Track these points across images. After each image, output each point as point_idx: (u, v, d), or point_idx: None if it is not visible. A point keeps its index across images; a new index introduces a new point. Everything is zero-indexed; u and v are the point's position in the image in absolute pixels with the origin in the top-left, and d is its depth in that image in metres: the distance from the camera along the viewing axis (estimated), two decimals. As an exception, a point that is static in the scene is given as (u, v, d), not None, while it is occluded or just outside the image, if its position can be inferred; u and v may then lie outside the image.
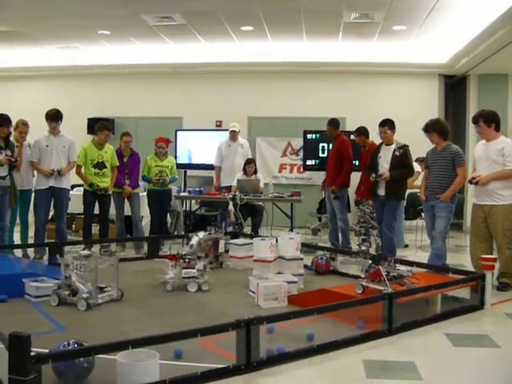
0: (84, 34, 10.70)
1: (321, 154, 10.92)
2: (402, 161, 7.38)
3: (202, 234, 6.96)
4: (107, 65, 12.80)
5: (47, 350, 3.40)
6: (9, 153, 7.31)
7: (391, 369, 3.77)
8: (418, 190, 9.41)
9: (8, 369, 2.94)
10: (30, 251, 7.93)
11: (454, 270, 6.06)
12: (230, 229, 8.57)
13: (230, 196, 8.97)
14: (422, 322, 4.81)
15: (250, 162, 9.72)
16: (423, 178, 7.11)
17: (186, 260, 6.15)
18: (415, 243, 9.42)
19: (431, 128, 6.80)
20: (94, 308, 5.18)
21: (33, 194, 8.08)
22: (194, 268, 6.11)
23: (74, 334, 3.89)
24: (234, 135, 9.96)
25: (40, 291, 5.51)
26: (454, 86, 12.55)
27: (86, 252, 5.50)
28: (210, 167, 10.58)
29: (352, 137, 9.07)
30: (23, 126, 7.95)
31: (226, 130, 10.29)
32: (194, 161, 11.66)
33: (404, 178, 7.56)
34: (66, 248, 7.76)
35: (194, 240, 6.60)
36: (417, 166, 9.35)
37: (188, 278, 6.05)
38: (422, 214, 9.49)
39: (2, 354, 3.14)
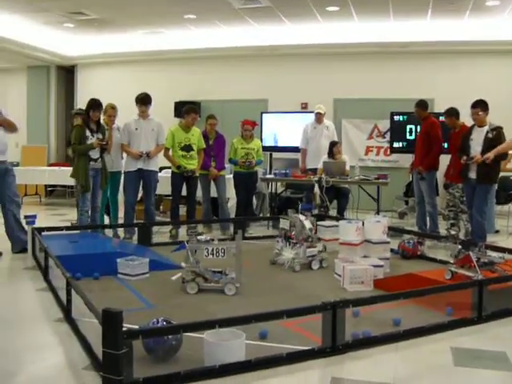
0: (170, 18, 10.90)
1: (408, 137, 10.67)
2: (495, 143, 7.10)
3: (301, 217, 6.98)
4: (193, 49, 13.00)
5: (137, 327, 3.52)
6: (100, 136, 7.56)
7: (481, 358, 3.66)
8: (511, 173, 9.14)
9: (101, 342, 3.06)
10: (120, 231, 8.19)
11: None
12: (316, 211, 8.55)
13: (316, 178, 8.93)
14: (514, 311, 4.65)
15: (335, 143, 9.64)
16: None
17: (309, 240, 6.38)
18: (507, 229, 9.10)
19: None
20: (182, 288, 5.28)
21: (122, 176, 8.32)
22: (315, 247, 6.38)
23: (162, 312, 4.01)
24: (319, 117, 9.88)
25: (136, 270, 5.68)
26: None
27: (237, 235, 5.40)
28: (295, 149, 10.55)
29: (441, 118, 8.82)
30: (112, 109, 8.18)
31: (312, 112, 10.22)
32: (280, 143, 11.66)
33: (497, 160, 7.27)
34: (154, 228, 7.98)
35: (306, 223, 6.63)
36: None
37: (312, 256, 6.31)
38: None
39: (95, 329, 3.27)
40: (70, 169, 7.86)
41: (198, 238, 5.45)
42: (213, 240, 5.45)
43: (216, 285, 5.24)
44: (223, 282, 5.21)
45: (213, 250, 5.25)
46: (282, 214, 7.61)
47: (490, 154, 6.97)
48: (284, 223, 7.24)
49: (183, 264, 5.36)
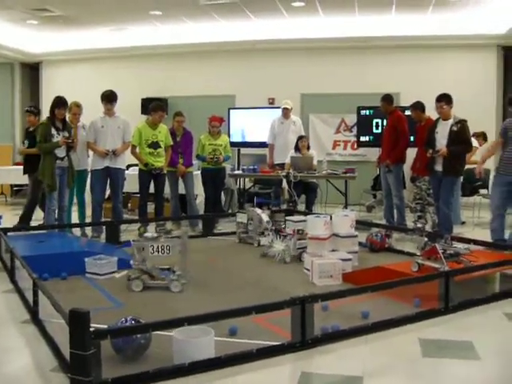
0: (135, 15, 10.82)
1: (375, 130, 10.77)
2: (459, 136, 7.19)
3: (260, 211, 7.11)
4: (159, 45, 12.94)
5: (106, 326, 3.49)
6: (66, 134, 7.47)
7: (448, 348, 3.72)
8: (476, 166, 9.26)
9: (69, 343, 3.03)
10: (88, 230, 8.11)
11: (513, 247, 5.93)
12: (284, 206, 8.58)
13: (284, 173, 8.95)
14: (480, 301, 4.72)
15: (301, 137, 9.68)
16: (493, 146, 6.85)
17: (300, 232, 6.53)
18: (472, 220, 9.23)
19: None
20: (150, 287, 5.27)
21: (89, 174, 8.24)
22: (305, 239, 6.46)
23: (131, 311, 3.99)
24: (286, 112, 9.91)
25: (104, 269, 5.64)
26: (513, 57, 12.14)
27: (178, 231, 5.41)
28: (263, 145, 10.57)
29: (407, 112, 8.91)
30: (76, 107, 8.10)
31: (279, 107, 10.24)
32: (248, 139, 11.67)
33: (462, 153, 7.37)
34: (123, 226, 7.93)
35: (264, 216, 6.83)
36: (474, 141, 9.12)
37: (302, 248, 6.43)
38: (480, 191, 9.35)
39: (63, 330, 3.24)
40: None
41: (145, 235, 5.44)
42: (160, 237, 5.39)
43: (162, 282, 5.22)
44: (169, 280, 5.19)
45: (158, 247, 5.24)
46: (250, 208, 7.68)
47: (445, 150, 7.12)
48: (241, 217, 7.37)
49: (131, 262, 5.36)
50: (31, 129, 8.05)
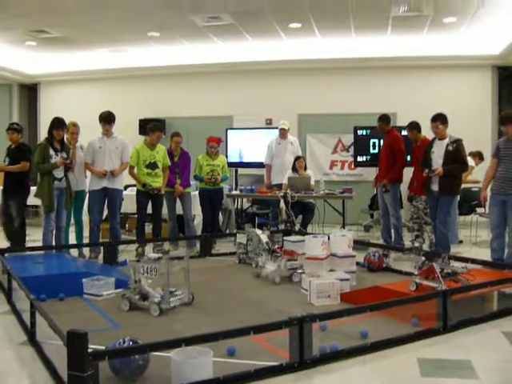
0: (134, 36, 10.89)
1: (372, 150, 10.83)
2: (455, 155, 7.23)
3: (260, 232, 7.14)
4: (157, 66, 13.00)
5: (104, 347, 3.48)
6: (64, 155, 7.49)
7: (447, 367, 3.71)
8: (473, 185, 9.29)
9: (67, 365, 3.02)
10: (86, 250, 8.09)
11: (511, 266, 5.92)
12: (282, 226, 8.58)
13: (281, 194, 8.97)
14: (478, 320, 4.72)
15: (298, 158, 9.70)
16: (489, 168, 6.88)
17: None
18: (470, 239, 9.24)
19: (508, 120, 6.58)
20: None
21: (87, 195, 8.24)
22: (296, 260, 6.56)
23: (128, 332, 3.98)
24: (283, 133, 9.95)
25: (101, 290, 5.62)
26: (508, 77, 12.22)
27: (156, 255, 5.35)
28: (260, 165, 10.60)
29: (404, 132, 8.96)
30: (73, 127, 8.11)
31: (276, 127, 10.29)
32: (245, 159, 11.71)
33: (458, 172, 7.40)
34: (121, 247, 7.92)
35: (263, 237, 7.03)
36: (470, 161, 9.16)
37: (293, 269, 6.46)
38: (477, 210, 9.37)
39: (60, 351, 3.22)
40: (34, 188, 7.75)
41: (149, 255, 5.40)
42: (160, 258, 5.31)
43: (145, 304, 5.17)
44: (150, 302, 5.13)
45: (146, 268, 5.23)
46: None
47: (441, 170, 7.16)
48: (241, 238, 7.39)
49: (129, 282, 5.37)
50: (13, 146, 7.81)
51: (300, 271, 6.39)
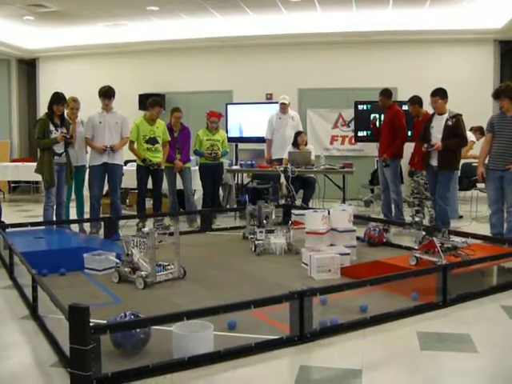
0: (132, 10, 10.80)
1: (371, 126, 10.77)
2: (454, 130, 7.21)
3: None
4: (157, 41, 12.91)
5: (105, 321, 3.50)
6: (64, 130, 7.47)
7: (446, 341, 3.73)
8: (473, 160, 9.27)
9: (68, 339, 3.04)
10: (86, 226, 8.11)
11: (510, 241, 5.94)
12: (283, 201, 8.59)
13: (282, 169, 8.96)
14: (478, 294, 4.74)
15: (300, 133, 9.68)
16: (484, 143, 6.84)
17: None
18: (470, 214, 9.25)
19: (503, 94, 6.49)
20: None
21: (87, 170, 8.24)
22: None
23: (130, 306, 4.01)
24: (284, 107, 9.91)
25: (102, 265, 5.65)
26: (510, 51, 12.13)
27: (147, 229, 5.40)
28: (261, 140, 10.58)
29: (405, 107, 8.92)
30: (73, 102, 8.09)
31: (277, 102, 10.25)
32: (245, 134, 11.68)
33: (457, 147, 7.37)
34: (121, 222, 7.94)
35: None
36: (471, 136, 9.14)
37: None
38: (477, 185, 9.36)
39: (63, 325, 3.24)
40: (34, 164, 7.74)
41: (143, 229, 5.47)
42: (154, 232, 5.32)
43: (134, 277, 5.23)
44: (136, 275, 5.20)
45: (136, 242, 5.31)
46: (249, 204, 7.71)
47: (440, 145, 7.15)
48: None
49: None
50: None
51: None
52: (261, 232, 6.74)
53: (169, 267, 5.42)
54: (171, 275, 5.37)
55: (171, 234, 5.45)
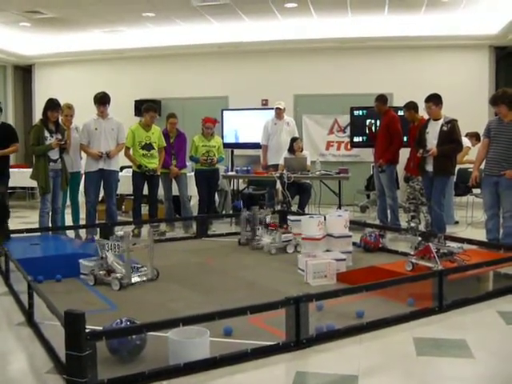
0: (128, 17, 10.81)
1: (367, 131, 10.80)
2: (449, 136, 7.21)
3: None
4: (153, 47, 12.92)
5: (101, 328, 3.50)
6: (59, 136, 7.46)
7: (442, 346, 3.73)
8: (469, 165, 9.29)
9: (64, 345, 3.03)
10: (82, 232, 8.10)
11: (506, 247, 5.95)
12: (278, 207, 8.60)
13: (277, 174, 8.96)
14: (474, 300, 4.74)
15: (295, 139, 9.68)
16: (481, 148, 6.84)
17: (284, 226, 7.31)
18: (466, 220, 9.27)
19: (499, 100, 6.50)
20: (146, 287, 5.29)
21: (82, 177, 8.23)
22: (290, 233, 7.10)
23: (125, 313, 4.00)
24: (279, 112, 9.92)
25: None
26: (505, 57, 12.18)
27: (121, 233, 5.55)
28: (256, 146, 10.58)
29: (400, 112, 8.94)
30: (68, 109, 8.08)
31: (272, 108, 10.26)
32: (241, 140, 11.68)
33: (452, 153, 7.37)
34: (117, 228, 7.93)
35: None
36: (467, 141, 9.16)
37: (287, 241, 7.02)
38: (473, 190, 9.37)
39: (59, 332, 3.24)
40: (29, 170, 7.73)
41: (118, 233, 5.69)
42: (125, 236, 5.44)
43: (109, 279, 5.33)
44: (112, 277, 5.30)
45: (110, 245, 5.41)
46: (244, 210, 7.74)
47: (435, 150, 7.15)
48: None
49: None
50: None
51: (294, 243, 6.98)
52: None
53: (142, 269, 5.52)
54: (145, 277, 5.47)
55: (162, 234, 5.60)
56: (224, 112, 11.86)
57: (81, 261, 5.72)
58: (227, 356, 3.46)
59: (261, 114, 11.26)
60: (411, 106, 8.20)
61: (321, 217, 6.62)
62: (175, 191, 8.91)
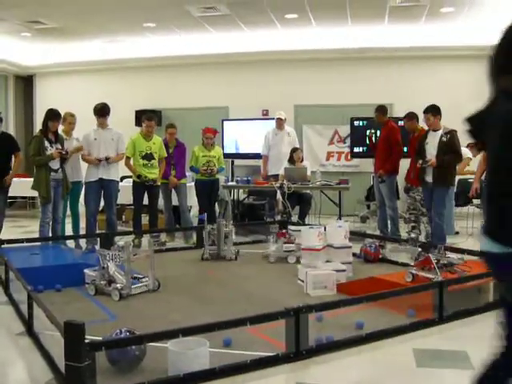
0: (129, 27, 10.86)
1: (368, 141, 10.81)
2: (449, 146, 7.23)
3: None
4: (153, 57, 12.96)
5: (101, 338, 3.49)
6: (59, 146, 7.48)
7: (442, 358, 3.73)
8: (470, 176, 9.29)
9: (64, 355, 3.03)
10: (82, 242, 8.09)
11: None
12: (278, 217, 8.59)
13: (278, 185, 8.96)
14: (474, 311, 4.73)
15: (295, 150, 9.69)
16: (482, 160, 6.83)
17: (287, 236, 7.21)
18: (466, 230, 9.26)
19: None
20: (146, 297, 5.28)
21: (83, 186, 8.24)
22: (292, 243, 7.08)
23: (125, 323, 3.99)
24: (280, 123, 9.93)
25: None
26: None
27: (122, 243, 5.54)
28: (257, 156, 10.59)
29: (400, 123, 8.96)
30: (71, 117, 8.12)
31: (273, 118, 10.26)
32: (241, 150, 11.70)
33: (452, 163, 7.39)
34: (117, 238, 7.92)
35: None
36: (468, 152, 9.16)
37: (289, 251, 7.05)
38: (474, 201, 9.37)
39: (58, 342, 3.23)
40: (30, 180, 7.74)
41: (119, 243, 5.69)
42: (126, 247, 5.45)
43: (109, 289, 5.33)
44: (112, 288, 5.30)
45: (111, 255, 5.41)
46: (244, 220, 7.74)
47: (435, 161, 7.17)
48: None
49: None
50: None
51: (297, 254, 6.86)
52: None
53: (143, 280, 5.52)
54: (146, 287, 5.47)
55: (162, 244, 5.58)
56: (224, 122, 11.88)
57: (86, 271, 5.72)
58: (227, 367, 3.46)
59: (261, 125, 11.27)
60: (412, 116, 8.21)
61: (321, 227, 6.62)
62: (175, 201, 8.91)
